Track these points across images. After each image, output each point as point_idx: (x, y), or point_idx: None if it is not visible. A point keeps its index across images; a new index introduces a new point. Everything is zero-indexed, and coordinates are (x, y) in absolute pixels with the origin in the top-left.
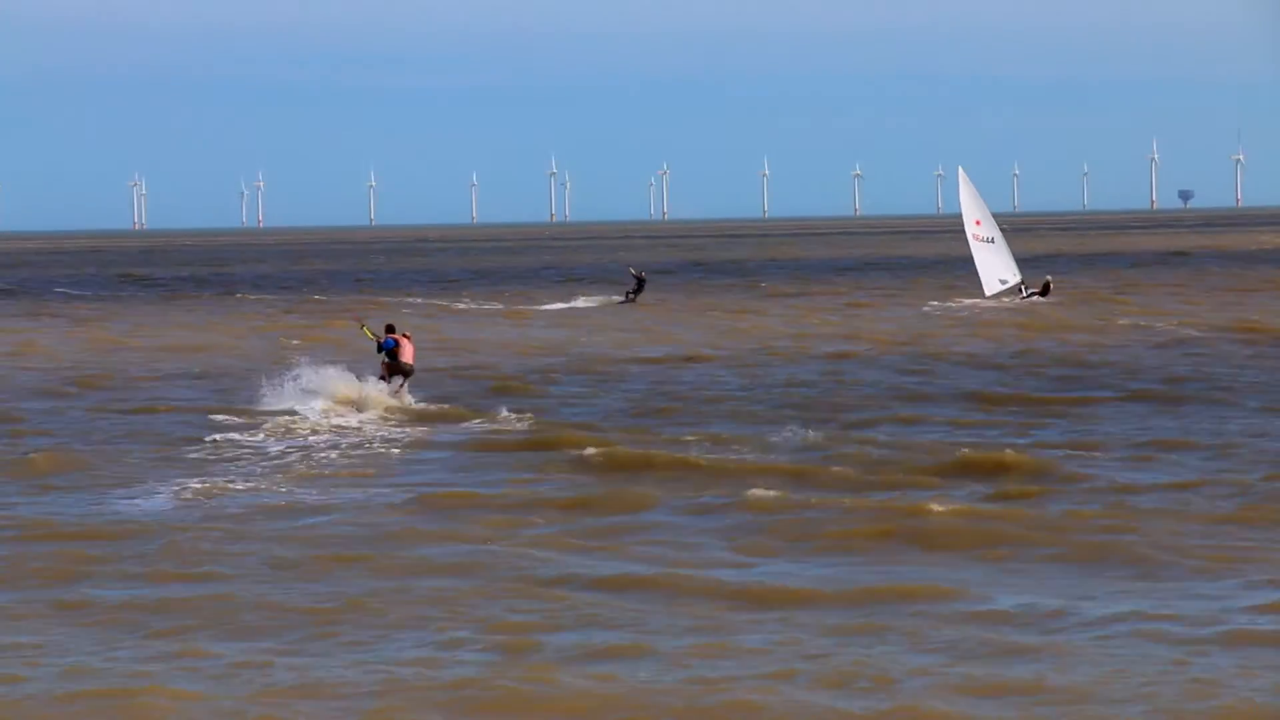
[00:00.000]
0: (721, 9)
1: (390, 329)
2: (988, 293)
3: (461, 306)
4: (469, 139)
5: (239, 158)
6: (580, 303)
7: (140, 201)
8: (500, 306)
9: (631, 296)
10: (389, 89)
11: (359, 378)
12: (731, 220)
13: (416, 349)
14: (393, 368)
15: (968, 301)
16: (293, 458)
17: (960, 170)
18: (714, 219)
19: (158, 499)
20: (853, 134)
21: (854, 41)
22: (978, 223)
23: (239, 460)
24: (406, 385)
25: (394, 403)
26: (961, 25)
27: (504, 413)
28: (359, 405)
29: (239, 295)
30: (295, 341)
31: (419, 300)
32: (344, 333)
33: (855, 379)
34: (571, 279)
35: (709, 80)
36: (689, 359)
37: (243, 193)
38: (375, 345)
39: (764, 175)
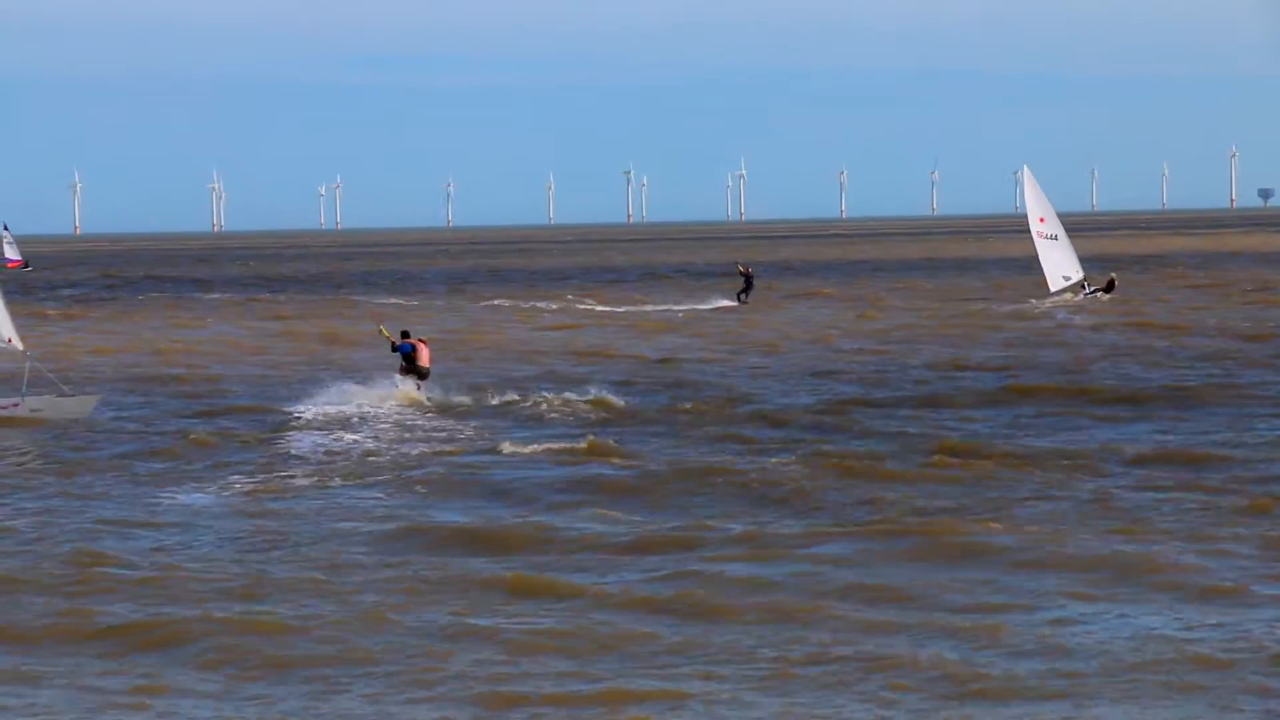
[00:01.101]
0: (798, 2)
1: (406, 334)
2: (1052, 289)
3: (594, 308)
4: (544, 139)
5: (316, 161)
6: (706, 305)
7: (219, 203)
8: (628, 309)
9: (743, 297)
10: (463, 90)
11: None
12: (810, 220)
13: (433, 354)
14: (409, 370)
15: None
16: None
17: (1025, 169)
18: (792, 219)
19: None
20: (928, 132)
21: (927, 37)
22: (1041, 220)
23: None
24: (423, 385)
25: (418, 398)
26: (1039, 20)
27: None
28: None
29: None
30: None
31: (551, 303)
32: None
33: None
34: (664, 276)
35: (787, 78)
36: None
37: (321, 194)
38: (390, 346)
39: (842, 176)
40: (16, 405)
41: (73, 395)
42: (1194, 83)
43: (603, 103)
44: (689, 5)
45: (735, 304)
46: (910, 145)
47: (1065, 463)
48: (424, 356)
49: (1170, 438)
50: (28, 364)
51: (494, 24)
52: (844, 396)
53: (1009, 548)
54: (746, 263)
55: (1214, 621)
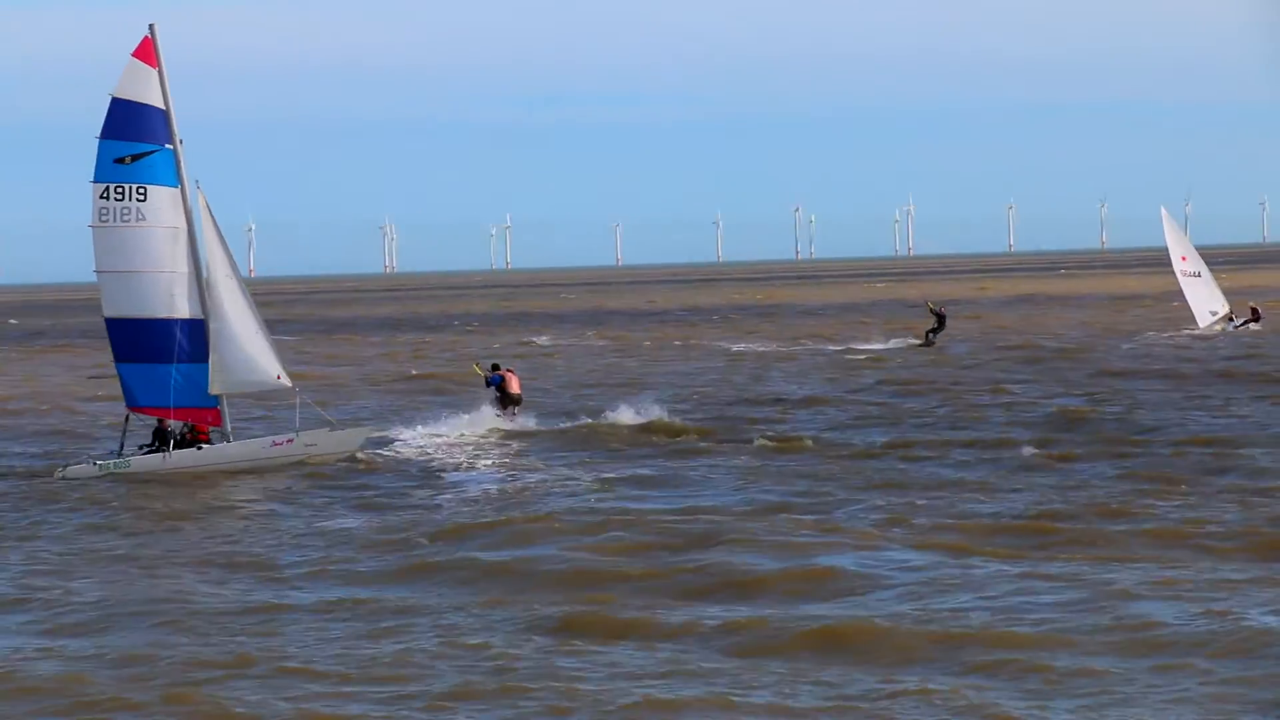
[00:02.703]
0: (964, 34)
1: (495, 367)
2: (1200, 325)
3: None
4: (709, 174)
5: (487, 200)
6: (891, 343)
7: (390, 245)
8: (834, 347)
9: (931, 337)
10: (628, 125)
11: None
12: (976, 255)
13: (522, 381)
14: (504, 399)
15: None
16: None
17: (1163, 210)
18: (959, 254)
19: None
20: (1094, 162)
21: (1095, 68)
22: (1184, 259)
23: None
24: (518, 411)
25: (508, 426)
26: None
27: None
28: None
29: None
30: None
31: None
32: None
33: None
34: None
35: (952, 111)
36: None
37: (491, 234)
38: (484, 381)
39: (1010, 209)
40: (290, 441)
41: (344, 429)
42: None
43: (769, 137)
44: (858, 37)
45: (922, 343)
46: (1079, 177)
47: None
48: (514, 385)
49: None
50: (298, 399)
51: (655, 58)
52: None
53: None
54: (939, 301)
55: None
